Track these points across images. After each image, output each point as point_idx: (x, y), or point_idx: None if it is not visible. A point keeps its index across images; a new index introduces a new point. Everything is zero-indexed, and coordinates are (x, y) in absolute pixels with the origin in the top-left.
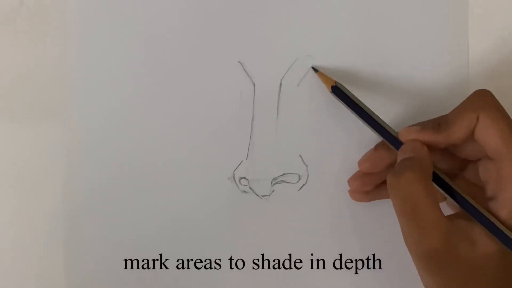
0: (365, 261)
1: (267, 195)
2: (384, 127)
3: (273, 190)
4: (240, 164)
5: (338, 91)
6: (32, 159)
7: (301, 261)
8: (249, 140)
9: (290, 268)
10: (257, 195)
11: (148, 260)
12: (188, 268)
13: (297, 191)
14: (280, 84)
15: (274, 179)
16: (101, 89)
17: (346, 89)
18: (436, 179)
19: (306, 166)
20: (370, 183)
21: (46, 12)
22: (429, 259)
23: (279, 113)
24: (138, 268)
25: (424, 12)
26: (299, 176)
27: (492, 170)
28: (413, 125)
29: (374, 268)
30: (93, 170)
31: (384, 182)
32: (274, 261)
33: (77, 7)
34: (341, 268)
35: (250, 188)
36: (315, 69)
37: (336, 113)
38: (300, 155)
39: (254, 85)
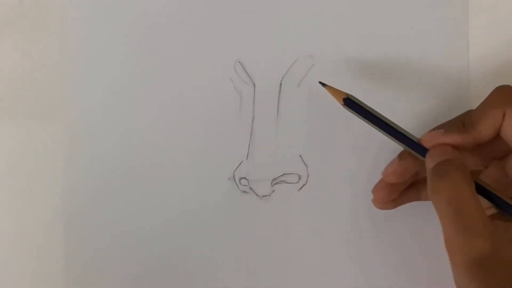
0: (365, 260)
1: (267, 195)
2: (406, 135)
3: (273, 190)
4: (240, 164)
5: (351, 103)
6: (32, 158)
7: (301, 261)
8: (249, 140)
9: (290, 268)
10: (257, 195)
11: (147, 260)
12: (188, 267)
13: (297, 191)
14: (280, 84)
15: (274, 179)
16: (101, 89)
17: (359, 100)
18: None
19: (306, 166)
20: (396, 192)
21: (46, 12)
22: (478, 265)
23: (279, 113)
24: (137, 268)
25: (424, 12)
26: (299, 176)
27: None
28: (435, 128)
29: (374, 267)
30: (93, 170)
31: (407, 188)
32: (274, 261)
33: (77, 7)
34: (341, 267)
35: (250, 188)
36: (323, 84)
37: (336, 113)
38: (300, 155)
39: (254, 85)
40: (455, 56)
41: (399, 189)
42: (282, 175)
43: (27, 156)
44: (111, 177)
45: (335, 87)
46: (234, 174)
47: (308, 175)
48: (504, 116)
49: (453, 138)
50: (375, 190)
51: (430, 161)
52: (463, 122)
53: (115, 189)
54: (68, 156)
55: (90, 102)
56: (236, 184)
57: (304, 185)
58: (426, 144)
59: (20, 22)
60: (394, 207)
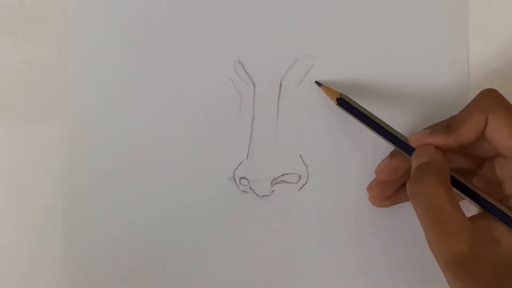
0: (365, 261)
1: (267, 195)
2: (395, 135)
3: (273, 190)
4: (240, 164)
5: (344, 103)
6: (32, 158)
7: (301, 261)
8: (249, 140)
9: (290, 268)
10: (257, 195)
11: (147, 260)
12: (188, 268)
13: (297, 191)
14: (280, 84)
15: (274, 179)
16: (101, 89)
17: (351, 100)
18: (453, 181)
19: (306, 166)
20: (389, 189)
21: (46, 12)
22: (457, 265)
23: (279, 113)
24: (137, 267)
25: (424, 13)
26: (299, 176)
27: (508, 168)
28: (423, 130)
29: (374, 268)
30: (93, 170)
31: (403, 186)
32: (274, 261)
33: (77, 7)
34: (341, 268)
35: (250, 188)
36: (318, 83)
37: (336, 113)
38: (300, 155)
39: (254, 85)
40: (455, 58)
41: (393, 187)
42: (282, 175)
43: (27, 156)
44: (111, 176)
45: (334, 87)
46: (234, 174)
47: (308, 175)
48: (487, 119)
49: (437, 139)
50: (369, 187)
51: (415, 161)
52: (448, 124)
53: (115, 188)
54: (68, 156)
55: (90, 102)
56: (236, 184)
57: (304, 185)
58: (412, 143)
59: (20, 22)
60: (390, 205)
